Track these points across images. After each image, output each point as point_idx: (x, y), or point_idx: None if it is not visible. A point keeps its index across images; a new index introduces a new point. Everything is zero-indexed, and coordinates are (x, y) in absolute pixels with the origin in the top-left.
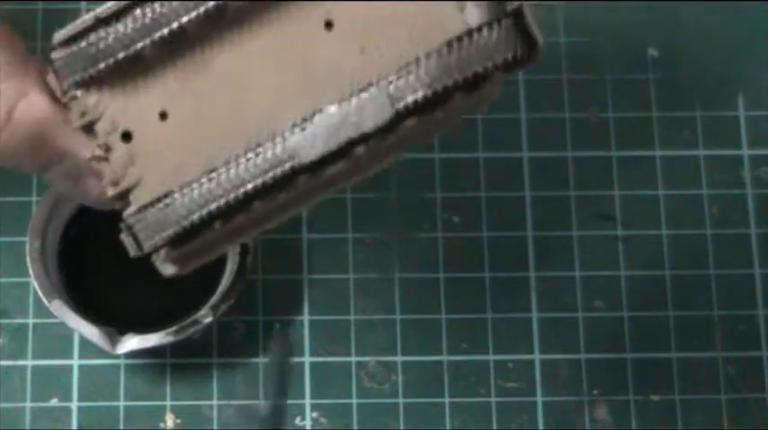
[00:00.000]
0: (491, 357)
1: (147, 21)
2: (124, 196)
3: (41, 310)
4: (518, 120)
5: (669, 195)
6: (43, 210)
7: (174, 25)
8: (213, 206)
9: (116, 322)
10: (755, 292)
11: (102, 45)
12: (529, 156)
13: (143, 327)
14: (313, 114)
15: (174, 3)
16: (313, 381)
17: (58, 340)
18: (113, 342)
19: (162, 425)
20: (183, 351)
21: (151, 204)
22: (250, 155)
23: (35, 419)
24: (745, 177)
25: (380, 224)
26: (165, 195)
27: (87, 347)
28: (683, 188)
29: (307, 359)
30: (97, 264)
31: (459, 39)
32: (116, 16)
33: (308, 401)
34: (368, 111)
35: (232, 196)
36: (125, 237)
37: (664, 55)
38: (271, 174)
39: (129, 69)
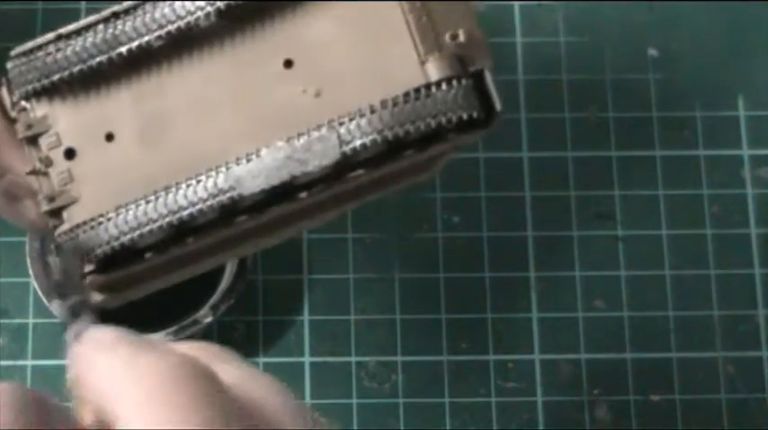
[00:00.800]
0: (491, 357)
1: (108, 37)
2: (58, 213)
3: (41, 310)
4: (518, 120)
5: (669, 195)
6: None
7: (135, 44)
8: (146, 229)
9: (116, 322)
10: (755, 292)
11: (58, 56)
12: (529, 156)
13: (143, 327)
14: (260, 149)
15: (138, 21)
16: (313, 381)
17: (58, 340)
18: None
19: None
20: None
21: (84, 224)
22: (191, 182)
23: None
24: (746, 177)
25: (380, 224)
26: (99, 217)
27: None
28: (683, 188)
29: (307, 359)
30: None
31: (417, 91)
32: (78, 33)
33: (308, 401)
34: (315, 151)
35: (166, 221)
36: (54, 259)
37: (664, 55)
38: (209, 203)
39: (84, 85)
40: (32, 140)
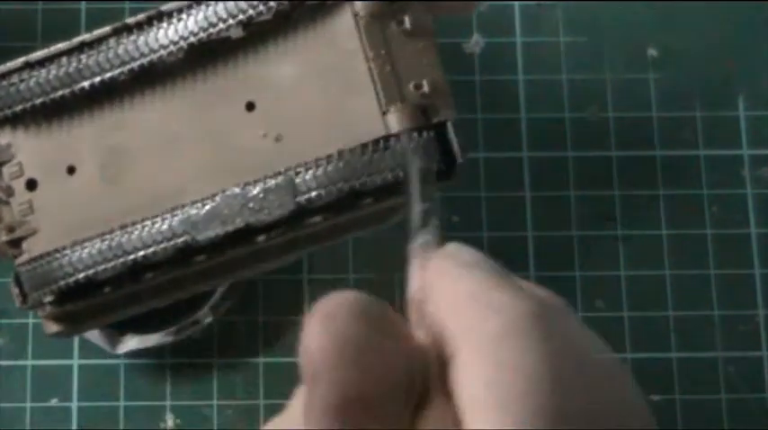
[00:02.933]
0: None
1: (72, 70)
2: (18, 244)
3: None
4: (518, 120)
5: (669, 195)
6: None
7: (97, 79)
8: (100, 268)
9: (116, 322)
10: (755, 292)
11: (21, 87)
12: (529, 156)
13: (143, 327)
14: (216, 194)
15: (101, 56)
16: None
17: (58, 340)
18: (113, 342)
19: (162, 425)
20: (182, 351)
21: (42, 257)
22: (147, 223)
23: (35, 419)
24: (746, 177)
25: None
26: (57, 250)
27: (87, 347)
28: (683, 188)
29: None
30: None
31: (376, 142)
32: (45, 62)
33: None
34: (271, 200)
35: (120, 262)
36: (12, 288)
37: (664, 55)
38: (163, 246)
39: (48, 116)
40: None
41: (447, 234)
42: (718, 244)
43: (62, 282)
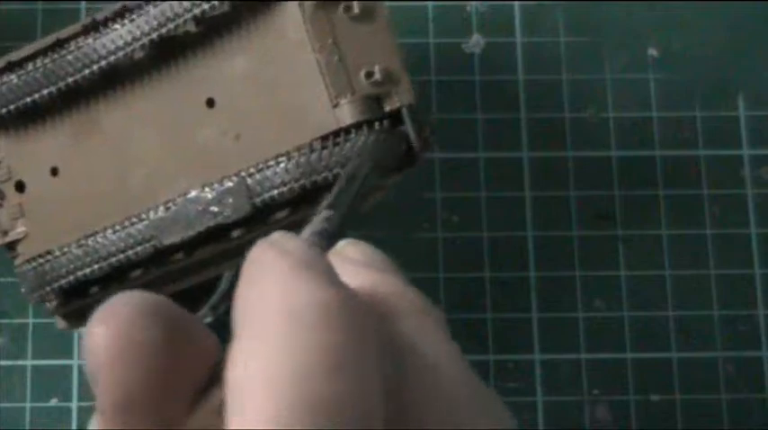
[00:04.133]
0: (491, 357)
1: (39, 75)
2: (13, 247)
3: (41, 310)
4: (518, 120)
5: (669, 195)
6: None
7: (70, 80)
8: (86, 271)
9: None
10: (755, 292)
11: (2, 90)
12: (529, 156)
13: None
14: (179, 196)
15: (70, 57)
16: None
17: (58, 340)
18: None
19: None
20: None
21: (34, 259)
22: (118, 227)
23: (35, 419)
24: (746, 177)
25: (380, 224)
26: (47, 253)
27: None
28: (683, 188)
29: None
30: None
31: (325, 138)
32: (22, 63)
33: None
34: (227, 203)
35: (97, 266)
36: (20, 285)
37: (664, 55)
38: (133, 252)
39: (28, 119)
40: None
41: (447, 234)
42: (718, 244)
43: (55, 284)
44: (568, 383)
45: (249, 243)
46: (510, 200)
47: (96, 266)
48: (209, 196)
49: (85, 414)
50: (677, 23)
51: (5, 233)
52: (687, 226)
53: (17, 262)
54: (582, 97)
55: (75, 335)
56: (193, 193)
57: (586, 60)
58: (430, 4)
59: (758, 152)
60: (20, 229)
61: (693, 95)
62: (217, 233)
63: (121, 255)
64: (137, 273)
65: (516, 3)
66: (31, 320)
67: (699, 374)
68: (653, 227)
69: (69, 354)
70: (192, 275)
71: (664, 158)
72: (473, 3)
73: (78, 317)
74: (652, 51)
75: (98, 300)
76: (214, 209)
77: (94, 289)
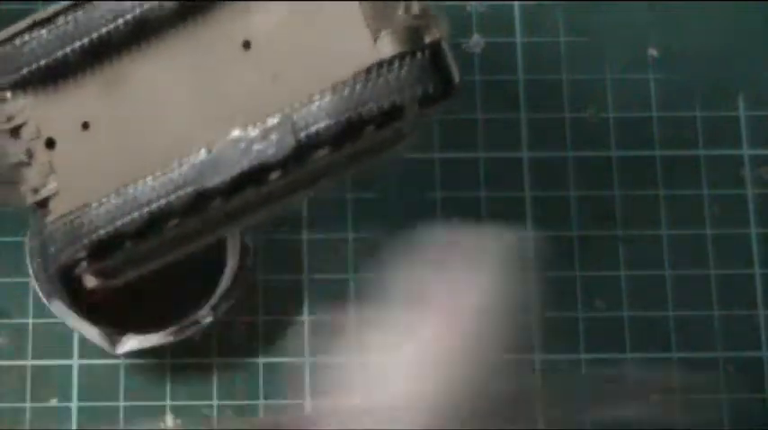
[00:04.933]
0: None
1: (70, 29)
2: (44, 205)
3: (41, 310)
4: (518, 121)
5: (669, 195)
6: None
7: (95, 35)
8: (119, 223)
9: (116, 322)
10: (755, 292)
11: (26, 50)
12: (529, 156)
13: (143, 327)
14: (219, 139)
15: (96, 13)
16: (313, 381)
17: (58, 340)
18: (113, 342)
19: (162, 425)
20: (183, 351)
21: (67, 215)
22: (157, 174)
23: (35, 419)
24: (746, 177)
25: (380, 224)
26: (79, 208)
27: (87, 347)
28: (683, 188)
29: (307, 359)
30: None
31: (369, 71)
32: (48, 21)
33: (308, 401)
34: (271, 140)
35: (137, 214)
36: (49, 247)
37: (664, 55)
38: (174, 196)
39: (57, 76)
40: (14, 132)
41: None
42: (718, 244)
43: (86, 240)
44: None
45: (285, 187)
46: (510, 199)
47: (136, 214)
48: (252, 134)
49: (85, 414)
50: (677, 23)
51: (36, 191)
52: (687, 226)
53: (48, 219)
54: (582, 97)
55: (76, 334)
56: (236, 133)
57: (586, 60)
58: (430, 4)
59: (758, 152)
60: (51, 186)
61: (693, 95)
62: (256, 176)
63: (162, 202)
64: (173, 223)
65: (516, 3)
66: (31, 320)
67: (699, 374)
68: (653, 227)
69: (69, 354)
70: (227, 225)
71: (664, 158)
72: (473, 3)
73: (110, 274)
74: (652, 51)
75: (131, 256)
76: (258, 147)
77: (128, 243)
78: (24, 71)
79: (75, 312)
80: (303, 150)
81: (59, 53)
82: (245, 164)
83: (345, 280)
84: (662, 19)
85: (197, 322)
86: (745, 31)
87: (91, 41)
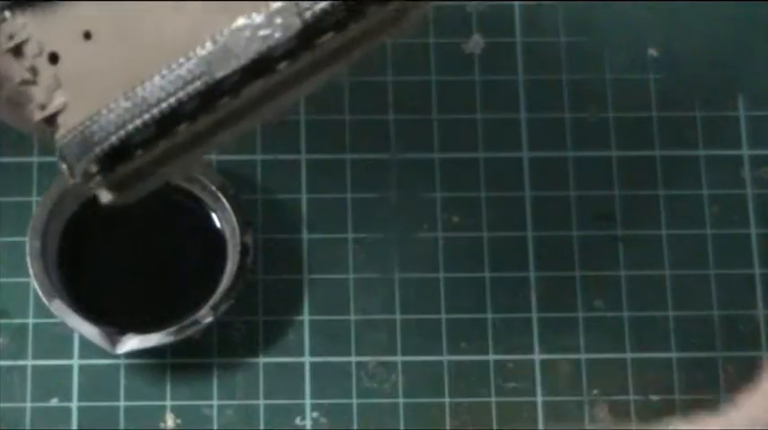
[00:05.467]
0: (491, 357)
1: None
2: (52, 121)
3: (41, 310)
4: (518, 120)
5: (669, 195)
6: (43, 209)
7: None
8: (131, 126)
9: (116, 322)
10: (755, 292)
11: None
12: (529, 156)
13: (143, 327)
14: (224, 29)
15: None
16: (313, 381)
17: (58, 340)
18: (113, 342)
19: (162, 425)
20: (183, 351)
21: (77, 127)
22: (165, 72)
23: (35, 419)
24: (746, 177)
25: (380, 224)
26: (89, 118)
27: (87, 347)
28: (683, 188)
29: (307, 359)
30: (97, 264)
31: None
32: None
33: (308, 401)
34: (277, 24)
35: (148, 116)
36: (60, 164)
37: (664, 55)
38: (184, 92)
39: None
40: (17, 51)
41: (447, 234)
42: (718, 244)
43: (98, 149)
44: (568, 383)
45: (294, 76)
46: (510, 200)
47: (147, 116)
48: (258, 20)
49: (85, 414)
50: (677, 23)
51: (43, 107)
52: (687, 226)
53: (58, 135)
54: (582, 97)
55: (76, 334)
56: (241, 21)
57: (586, 60)
58: (430, 4)
59: (758, 152)
60: (59, 101)
61: (693, 95)
62: (264, 67)
63: (172, 99)
64: (183, 126)
65: (516, 3)
66: (31, 320)
67: (699, 374)
68: (653, 227)
69: (69, 354)
70: (238, 122)
71: (664, 158)
72: (473, 3)
73: (123, 186)
74: (652, 51)
75: (143, 164)
76: (264, 32)
77: (139, 151)
78: None
79: (75, 312)
80: (310, 32)
81: None
82: (251, 52)
83: (345, 280)
84: (662, 19)
85: (197, 322)
86: (745, 31)
87: None
